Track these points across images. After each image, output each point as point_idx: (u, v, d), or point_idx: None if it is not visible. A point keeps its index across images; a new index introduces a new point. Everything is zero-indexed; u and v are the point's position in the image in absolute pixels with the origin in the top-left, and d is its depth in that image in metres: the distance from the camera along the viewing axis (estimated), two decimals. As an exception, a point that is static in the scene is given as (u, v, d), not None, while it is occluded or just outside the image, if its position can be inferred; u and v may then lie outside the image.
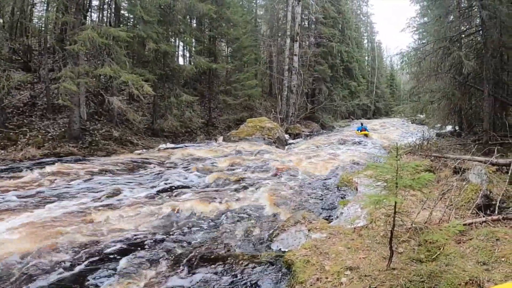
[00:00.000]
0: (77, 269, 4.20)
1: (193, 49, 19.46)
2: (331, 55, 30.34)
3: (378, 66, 53.65)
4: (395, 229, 3.58)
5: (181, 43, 24.02)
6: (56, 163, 9.68)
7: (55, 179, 8.14)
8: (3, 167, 9.30)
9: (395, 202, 3.36)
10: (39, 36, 16.63)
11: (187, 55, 26.16)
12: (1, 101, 11.62)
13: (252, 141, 15.23)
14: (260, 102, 26.33)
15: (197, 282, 3.90)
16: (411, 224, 4.44)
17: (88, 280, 3.96)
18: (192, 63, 18.56)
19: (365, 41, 55.75)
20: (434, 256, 3.84)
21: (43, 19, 15.75)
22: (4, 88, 10.85)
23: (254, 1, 33.37)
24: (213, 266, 4.22)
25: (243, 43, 22.03)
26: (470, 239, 4.13)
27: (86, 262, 4.34)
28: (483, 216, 4.82)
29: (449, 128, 16.89)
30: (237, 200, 7.12)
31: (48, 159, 10.58)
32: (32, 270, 4.06)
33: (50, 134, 12.47)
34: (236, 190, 7.91)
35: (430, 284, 3.19)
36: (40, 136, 12.09)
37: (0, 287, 3.71)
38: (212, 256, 4.47)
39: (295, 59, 23.33)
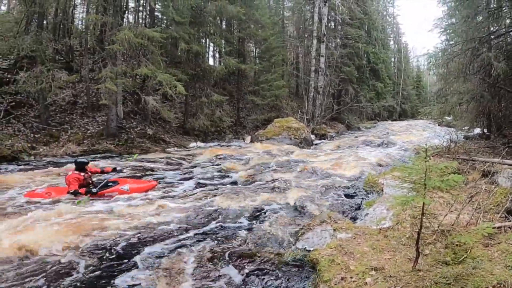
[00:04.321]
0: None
1: (223, 50, 19.86)
2: (358, 56, 30.24)
3: (405, 67, 52.89)
4: (421, 230, 3.60)
5: (211, 44, 24.55)
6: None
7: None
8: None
9: (423, 203, 3.42)
10: (80, 37, 17.37)
11: (217, 56, 26.61)
12: (45, 99, 12.30)
13: (279, 141, 15.45)
14: (287, 102, 26.54)
15: (226, 276, 4.05)
16: (438, 226, 4.47)
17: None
18: (222, 64, 18.96)
19: (392, 42, 54.92)
20: (460, 259, 3.81)
21: (84, 20, 16.39)
22: (52, 88, 11.48)
23: (281, 3, 33.51)
24: (240, 262, 4.37)
25: (271, 44, 22.26)
26: (499, 243, 4.06)
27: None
28: (513, 220, 4.72)
29: (477, 130, 16.52)
30: (264, 198, 7.27)
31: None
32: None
33: (89, 131, 13.13)
34: (263, 188, 8.10)
35: (456, 287, 3.15)
36: (80, 133, 12.76)
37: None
38: (240, 252, 4.63)
39: (322, 60, 23.40)
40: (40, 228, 5.11)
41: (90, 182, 7.33)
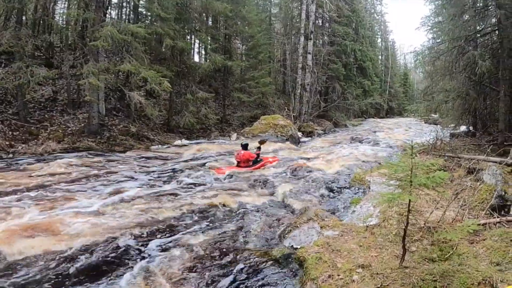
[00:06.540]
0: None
1: (209, 46, 19.65)
2: (345, 54, 30.36)
3: (392, 65, 53.26)
4: (408, 228, 3.60)
5: (197, 41, 24.34)
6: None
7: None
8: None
9: (409, 200, 3.37)
10: (61, 33, 16.98)
11: (203, 52, 26.41)
12: (23, 96, 11.96)
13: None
14: (273, 99, 26.38)
15: (212, 275, 3.98)
16: (424, 223, 4.46)
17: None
18: (208, 60, 18.77)
19: (379, 40, 55.39)
20: (447, 256, 3.85)
21: (64, 16, 16.02)
22: (30, 84, 11.17)
23: (269, 0, 33.41)
24: (227, 260, 4.32)
25: (258, 41, 22.12)
26: (484, 240, 4.11)
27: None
28: (498, 217, 4.75)
29: (463, 128, 16.65)
30: (250, 196, 7.24)
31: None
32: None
33: (70, 129, 12.80)
34: (249, 186, 8.03)
35: (442, 283, 3.18)
36: (60, 131, 12.43)
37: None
38: (226, 250, 4.58)
39: (309, 57, 23.39)
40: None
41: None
